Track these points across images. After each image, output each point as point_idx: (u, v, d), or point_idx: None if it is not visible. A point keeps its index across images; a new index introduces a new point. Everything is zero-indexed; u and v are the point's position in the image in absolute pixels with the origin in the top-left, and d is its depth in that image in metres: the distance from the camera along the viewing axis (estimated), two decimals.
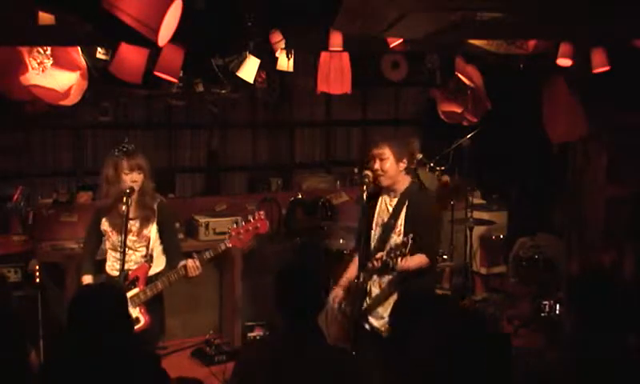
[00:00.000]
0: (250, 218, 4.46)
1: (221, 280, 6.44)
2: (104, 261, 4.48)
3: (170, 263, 4.40)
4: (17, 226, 5.92)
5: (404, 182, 4.21)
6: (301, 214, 6.70)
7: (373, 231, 4.25)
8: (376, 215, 4.27)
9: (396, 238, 4.12)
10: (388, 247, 4.07)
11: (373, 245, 4.22)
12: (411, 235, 3.86)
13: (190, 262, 4.29)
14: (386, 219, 4.20)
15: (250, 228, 4.40)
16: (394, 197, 4.21)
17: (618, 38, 4.68)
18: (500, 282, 7.21)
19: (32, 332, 5.23)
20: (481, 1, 3.48)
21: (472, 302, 6.39)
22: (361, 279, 4.12)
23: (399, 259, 3.87)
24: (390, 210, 4.20)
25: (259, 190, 7.33)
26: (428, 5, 3.45)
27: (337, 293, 4.28)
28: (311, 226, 6.55)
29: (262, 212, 4.50)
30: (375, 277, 4.17)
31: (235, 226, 4.45)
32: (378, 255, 4.01)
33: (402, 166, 4.18)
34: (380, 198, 4.28)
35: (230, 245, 4.37)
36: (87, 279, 4.41)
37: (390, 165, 4.14)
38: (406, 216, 4.15)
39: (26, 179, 6.53)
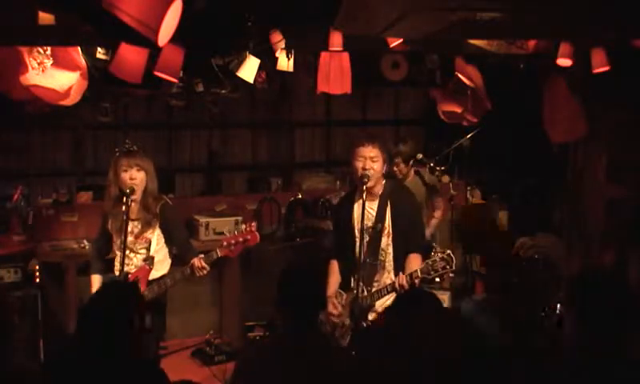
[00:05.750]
0: (243, 227, 4.44)
1: (221, 280, 6.43)
2: (113, 260, 4.48)
3: (183, 261, 4.40)
4: (17, 226, 5.92)
5: (381, 184, 4.17)
6: (301, 214, 6.71)
7: (357, 239, 4.10)
8: (355, 222, 4.14)
9: (386, 240, 4.10)
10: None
11: (361, 252, 4.06)
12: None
13: (196, 262, 4.29)
14: (371, 224, 4.09)
15: (241, 239, 4.36)
16: (373, 200, 4.13)
17: (618, 38, 4.68)
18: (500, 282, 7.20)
19: (32, 332, 5.25)
20: (481, 1, 3.48)
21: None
22: (365, 293, 4.05)
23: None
24: (374, 213, 4.12)
25: (259, 190, 7.33)
26: (428, 5, 3.45)
27: (336, 307, 4.18)
28: (311, 226, 6.55)
29: (254, 224, 4.46)
30: (385, 297, 4.06)
31: (229, 234, 4.44)
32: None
33: (385, 168, 4.16)
34: (355, 204, 4.18)
35: (221, 254, 4.34)
36: (96, 279, 4.44)
37: (378, 166, 4.08)
38: (392, 216, 4.12)
39: (26, 179, 6.53)
